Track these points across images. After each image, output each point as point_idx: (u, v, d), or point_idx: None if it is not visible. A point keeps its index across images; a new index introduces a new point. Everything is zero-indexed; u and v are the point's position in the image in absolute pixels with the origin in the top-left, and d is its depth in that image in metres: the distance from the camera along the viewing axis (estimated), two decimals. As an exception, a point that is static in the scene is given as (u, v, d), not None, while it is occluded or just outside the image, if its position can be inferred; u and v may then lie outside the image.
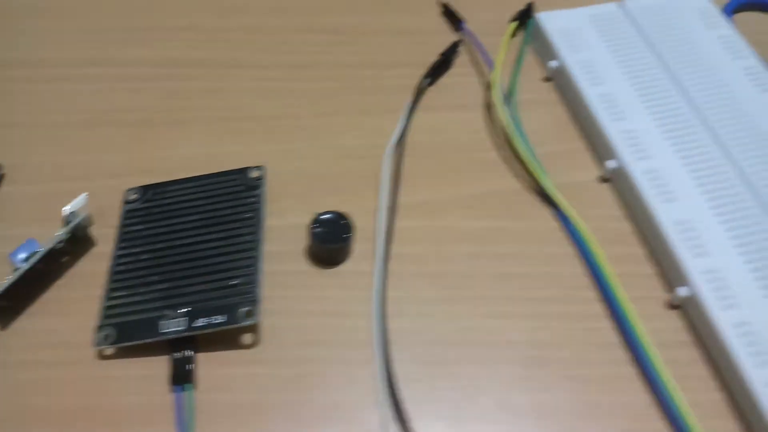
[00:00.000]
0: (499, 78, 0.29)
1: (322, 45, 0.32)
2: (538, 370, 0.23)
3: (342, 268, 0.25)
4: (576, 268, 0.25)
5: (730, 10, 0.33)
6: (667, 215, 0.25)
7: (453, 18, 0.32)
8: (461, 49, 0.32)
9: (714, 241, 0.24)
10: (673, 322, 0.24)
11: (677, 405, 0.22)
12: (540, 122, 0.29)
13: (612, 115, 0.28)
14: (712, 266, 0.24)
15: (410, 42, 0.32)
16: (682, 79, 0.29)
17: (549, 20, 0.31)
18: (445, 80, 0.31)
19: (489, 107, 0.29)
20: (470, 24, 0.32)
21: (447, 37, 0.32)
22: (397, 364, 0.23)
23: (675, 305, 0.24)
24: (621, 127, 0.27)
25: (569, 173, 0.28)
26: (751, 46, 0.31)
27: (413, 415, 0.22)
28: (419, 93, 0.29)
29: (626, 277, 0.25)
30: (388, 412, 0.22)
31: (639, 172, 0.26)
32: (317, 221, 0.24)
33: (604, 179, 0.27)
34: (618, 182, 0.27)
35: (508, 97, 0.29)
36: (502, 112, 0.28)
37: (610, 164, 0.27)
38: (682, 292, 0.24)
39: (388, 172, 0.27)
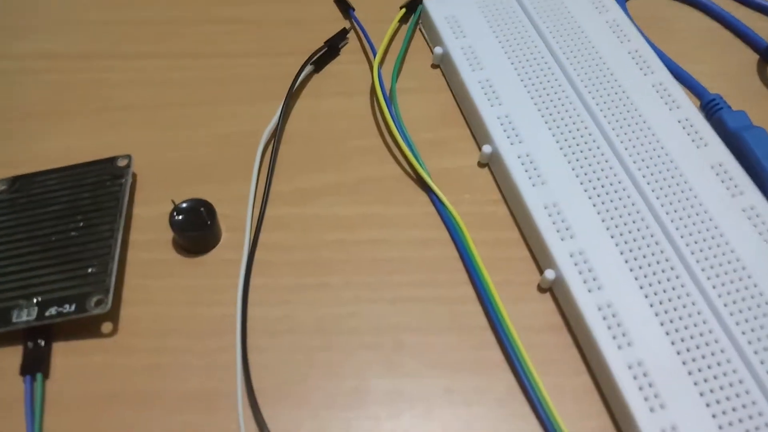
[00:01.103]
0: (378, 64, 0.29)
1: (210, 35, 0.31)
2: (400, 356, 0.23)
3: (209, 256, 0.25)
4: (447, 252, 0.25)
5: (624, -4, 0.33)
6: (536, 199, 0.25)
7: (344, 5, 0.32)
8: (351, 36, 0.31)
9: (581, 224, 0.24)
10: (545, 305, 0.24)
11: (538, 389, 0.22)
12: (426, 108, 0.29)
13: (490, 100, 0.27)
14: (578, 248, 0.24)
15: (301, 30, 0.31)
16: (564, 62, 0.29)
17: (436, 6, 0.31)
18: (331, 68, 0.30)
19: (374, 94, 0.29)
20: (365, 11, 0.32)
21: (340, 24, 0.32)
22: (256, 352, 0.22)
23: (545, 288, 0.24)
24: (498, 112, 0.27)
25: (450, 159, 0.27)
26: (640, 30, 0.31)
27: (270, 403, 0.21)
28: (300, 81, 0.29)
29: (501, 260, 0.25)
30: (245, 402, 0.21)
31: (512, 156, 0.26)
32: (176, 209, 0.23)
33: (483, 164, 0.27)
34: (494, 167, 0.27)
35: (392, 83, 0.29)
36: (381, 99, 0.28)
37: (486, 149, 0.27)
38: (549, 274, 0.24)
39: (259, 160, 0.26)
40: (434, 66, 0.30)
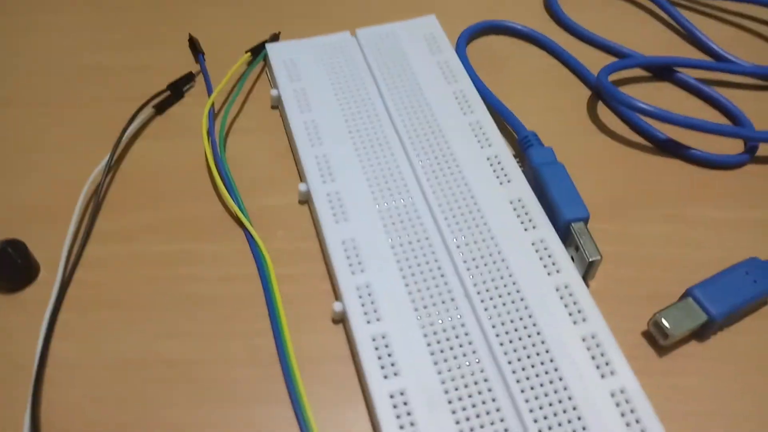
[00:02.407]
0: (210, 106, 0.30)
1: (68, 81, 0.33)
2: (188, 387, 0.24)
3: (24, 294, 0.26)
4: (253, 288, 0.26)
5: (467, 35, 0.35)
6: (335, 234, 0.26)
7: (195, 50, 0.34)
8: (200, 80, 0.33)
9: (373, 259, 0.25)
10: (337, 336, 0.25)
11: (308, 421, 0.23)
12: (259, 148, 0.31)
13: (311, 140, 0.29)
14: (365, 282, 0.25)
15: (150, 76, 0.33)
16: (389, 103, 0.30)
17: (277, 50, 0.32)
18: (175, 110, 0.32)
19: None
20: (219, 56, 0.33)
21: (194, 69, 0.33)
22: (52, 386, 0.24)
23: (337, 320, 0.25)
24: (316, 151, 0.29)
25: (273, 197, 0.29)
26: (472, 70, 0.33)
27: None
28: (140, 124, 0.30)
29: (303, 294, 0.26)
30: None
31: (321, 193, 0.27)
32: (-14, 250, 0.25)
33: (302, 202, 0.29)
34: (310, 204, 0.28)
35: (221, 124, 0.30)
36: (205, 140, 0.29)
37: (302, 187, 0.28)
38: (337, 306, 0.25)
39: (84, 199, 0.28)
40: (273, 107, 0.32)
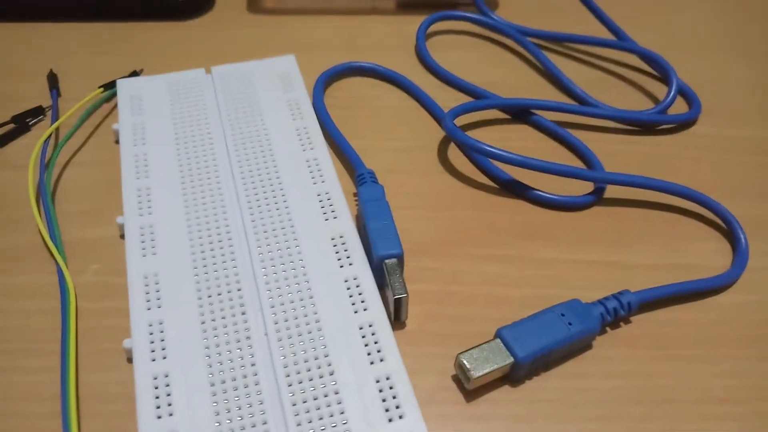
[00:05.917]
0: (46, 138, 0.30)
1: None
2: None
3: None
4: (55, 322, 0.25)
5: (326, 76, 0.34)
6: (138, 268, 0.25)
7: (52, 84, 0.33)
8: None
9: (175, 296, 0.24)
10: (129, 374, 0.24)
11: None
12: (93, 180, 0.30)
13: (138, 173, 0.28)
14: (159, 319, 0.24)
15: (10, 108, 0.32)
16: (230, 138, 0.30)
17: (126, 86, 0.32)
18: (20, 142, 0.31)
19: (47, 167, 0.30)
20: (78, 91, 0.33)
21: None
22: None
23: (130, 358, 0.24)
24: (140, 184, 0.28)
25: (97, 229, 0.28)
26: (323, 109, 0.32)
27: None
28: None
29: (105, 329, 0.25)
30: None
31: (134, 226, 0.26)
32: None
33: (123, 235, 0.28)
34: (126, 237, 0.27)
35: (55, 156, 0.30)
36: (32, 174, 0.28)
37: (120, 220, 0.27)
38: (127, 343, 0.24)
39: None
40: (116, 142, 0.31)
